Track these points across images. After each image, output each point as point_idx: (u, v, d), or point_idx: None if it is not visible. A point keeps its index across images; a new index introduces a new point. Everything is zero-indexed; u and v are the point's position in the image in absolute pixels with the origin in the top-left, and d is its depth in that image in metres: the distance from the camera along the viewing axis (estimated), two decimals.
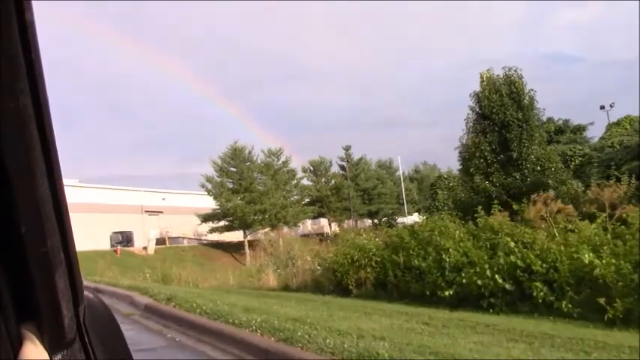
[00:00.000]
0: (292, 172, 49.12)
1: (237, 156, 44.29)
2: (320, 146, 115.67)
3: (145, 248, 41.21)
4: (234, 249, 46.65)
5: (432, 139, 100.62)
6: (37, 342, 0.76)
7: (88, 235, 38.87)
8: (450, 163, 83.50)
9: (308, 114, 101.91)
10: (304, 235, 57.78)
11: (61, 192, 0.81)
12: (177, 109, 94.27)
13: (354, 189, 55.55)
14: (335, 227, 56.34)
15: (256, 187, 44.40)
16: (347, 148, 57.67)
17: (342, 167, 58.07)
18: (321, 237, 63.35)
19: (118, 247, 38.34)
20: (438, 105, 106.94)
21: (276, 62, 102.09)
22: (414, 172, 68.87)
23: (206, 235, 46.18)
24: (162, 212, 50.95)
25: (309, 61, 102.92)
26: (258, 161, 46.35)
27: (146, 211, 49.89)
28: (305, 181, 53.09)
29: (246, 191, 43.56)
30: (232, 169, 44.73)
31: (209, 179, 43.77)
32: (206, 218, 44.52)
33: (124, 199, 47.85)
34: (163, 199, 51.65)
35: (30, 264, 0.74)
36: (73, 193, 41.91)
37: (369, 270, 11.28)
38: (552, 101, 75.00)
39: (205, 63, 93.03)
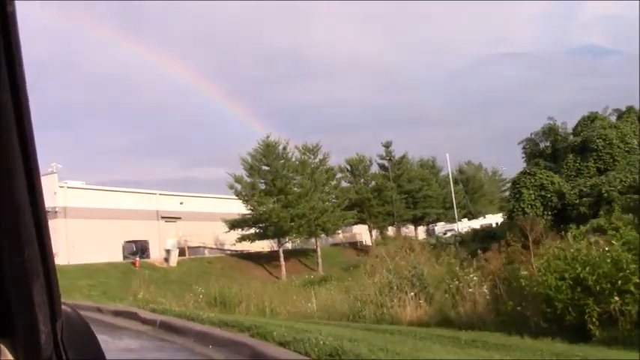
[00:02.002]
0: (331, 171, 45.79)
1: (269, 152, 41.07)
2: (333, 145, 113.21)
3: (166, 260, 38.04)
4: (265, 260, 43.52)
5: (463, 137, 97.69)
6: None
7: (99, 244, 36.62)
8: (491, 161, 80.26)
9: (322, 113, 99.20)
10: (335, 245, 54.54)
11: (39, 196, 0.79)
12: (182, 109, 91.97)
13: (396, 191, 52.01)
14: (375, 235, 52.93)
15: (292, 188, 40.89)
16: (387, 145, 54.63)
17: (382, 166, 55.07)
18: (357, 247, 60.49)
19: (137, 259, 34.92)
20: (466, 102, 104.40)
21: (287, 59, 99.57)
22: (457, 172, 65.30)
23: (234, 245, 42.72)
24: (180, 218, 47.74)
25: (323, 56, 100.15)
26: (293, 159, 42.85)
27: (162, 217, 46.71)
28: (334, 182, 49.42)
29: (281, 193, 40.25)
30: (264, 167, 41.37)
31: (238, 179, 40.35)
32: (234, 225, 41.34)
33: (137, 203, 44.90)
34: (181, 203, 48.47)
35: (4, 275, 0.71)
36: (80, 197, 39.53)
37: (627, 298, 7.42)
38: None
39: (215, 59, 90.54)
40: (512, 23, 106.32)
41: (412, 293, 11.06)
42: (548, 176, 30.95)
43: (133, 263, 34.98)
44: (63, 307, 0.88)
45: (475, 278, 10.16)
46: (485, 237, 31.42)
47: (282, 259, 40.31)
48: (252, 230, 41.97)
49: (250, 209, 40.52)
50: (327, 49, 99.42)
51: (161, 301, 16.91)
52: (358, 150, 57.51)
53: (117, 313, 10.53)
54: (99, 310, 10.53)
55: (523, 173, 31.40)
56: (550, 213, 29.87)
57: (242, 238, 41.53)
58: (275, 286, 27.27)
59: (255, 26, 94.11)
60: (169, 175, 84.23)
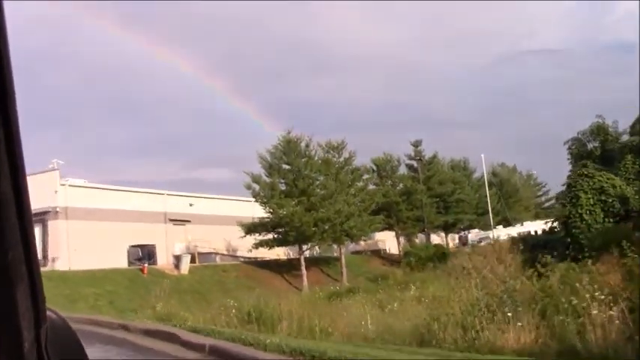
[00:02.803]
0: (357, 171, 44.41)
1: (291, 150, 39.77)
2: (353, 145, 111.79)
3: (176, 266, 36.98)
4: (284, 269, 42.34)
5: (491, 138, 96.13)
6: None
7: (103, 248, 35.89)
8: (521, 164, 78.41)
9: (340, 111, 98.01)
10: (356, 253, 53.10)
11: (25, 195, 0.78)
12: (189, 105, 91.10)
13: (426, 195, 50.58)
14: (403, 243, 51.50)
15: (315, 189, 39.56)
16: (416, 144, 53.40)
17: (411, 167, 53.80)
18: (381, 255, 59.07)
19: (145, 265, 33.94)
20: (492, 101, 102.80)
21: (300, 52, 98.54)
22: (490, 175, 63.77)
23: (250, 251, 41.43)
24: (189, 221, 46.71)
25: (341, 50, 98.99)
26: (316, 157, 41.64)
27: (170, 220, 45.70)
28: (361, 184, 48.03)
29: (303, 195, 38.90)
30: (285, 166, 40.16)
31: (256, 179, 39.05)
32: (250, 229, 40.07)
33: (143, 204, 43.96)
34: (191, 204, 47.45)
35: None
36: (82, 197, 38.76)
37: None
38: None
39: (226, 52, 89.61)
40: (540, 19, 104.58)
41: (509, 314, 9.50)
42: (608, 179, 29.24)
43: (141, 270, 33.99)
44: (47, 312, 0.87)
45: (602, 297, 8.59)
46: (534, 246, 29.69)
47: (303, 267, 38.92)
48: (270, 235, 40.67)
49: (269, 212, 39.25)
50: (345, 44, 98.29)
51: (185, 315, 15.52)
52: (379, 151, 56.48)
53: (149, 333, 9.06)
54: (125, 328, 9.07)
55: (580, 175, 29.65)
56: (611, 220, 28.17)
57: (259, 244, 40.23)
58: (302, 297, 25.97)
59: (267, 17, 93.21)
60: (174, 176, 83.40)
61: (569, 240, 28.03)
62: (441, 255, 44.10)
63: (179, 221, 45.97)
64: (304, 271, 38.87)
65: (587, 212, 28.12)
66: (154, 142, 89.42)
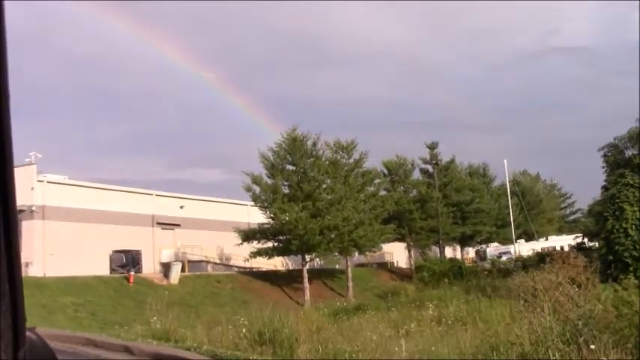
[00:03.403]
0: (368, 174, 43.80)
1: (296, 149, 38.95)
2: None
3: (165, 275, 36.38)
4: (283, 281, 41.76)
5: (510, 143, 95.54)
6: None
7: (83, 253, 35.64)
8: (545, 172, 77.66)
9: (343, 110, 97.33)
10: (360, 265, 52.28)
11: (12, 198, 0.77)
12: (176, 99, 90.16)
13: (442, 203, 49.80)
14: (415, 256, 50.68)
15: (322, 194, 38.69)
16: (433, 147, 52.75)
17: (426, 172, 53.12)
18: (388, 268, 58.14)
19: (131, 273, 33.49)
20: (513, 103, 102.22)
21: (302, 43, 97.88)
22: (511, 183, 62.96)
23: (247, 260, 40.73)
24: (179, 225, 46.24)
25: (347, 44, 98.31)
26: (323, 158, 40.95)
27: (158, 223, 44.95)
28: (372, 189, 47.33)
29: (308, 199, 38.04)
30: (290, 166, 39.41)
31: (256, 180, 38.14)
32: (249, 236, 39.24)
33: (128, 205, 43.34)
34: (182, 207, 46.83)
35: None
36: (61, 195, 38.21)
37: None
38: None
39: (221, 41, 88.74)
40: (564, 15, 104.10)
41: (592, 346, 8.52)
42: None
43: (127, 278, 33.10)
44: (27, 332, 0.85)
45: None
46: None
47: (306, 280, 38.13)
48: (270, 244, 39.86)
49: (270, 217, 38.42)
50: (353, 38, 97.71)
51: (184, 333, 14.53)
52: (387, 152, 56.01)
53: None
54: (128, 350, 8.02)
55: (624, 185, 28.78)
56: None
57: (257, 253, 39.43)
58: (306, 313, 25.13)
59: (266, 3, 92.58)
60: (159, 176, 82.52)
61: (610, 258, 27.15)
62: (457, 270, 43.41)
63: (168, 225, 45.59)
64: (307, 284, 38.13)
65: (633, 227, 27.22)
66: (139, 138, 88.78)
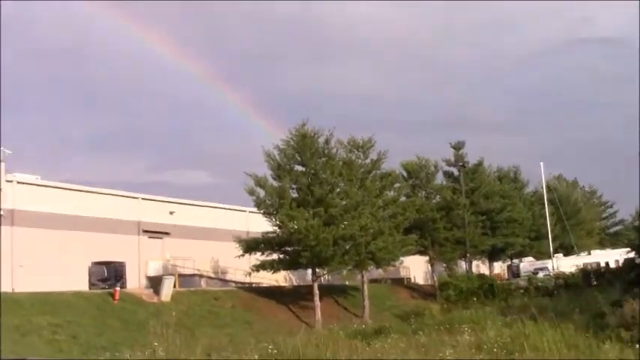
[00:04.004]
0: (388, 177, 43.40)
1: (306, 147, 38.10)
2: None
3: (155, 292, 35.50)
4: (289, 298, 41.20)
5: (538, 145, 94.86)
6: None
7: (58, 265, 35.24)
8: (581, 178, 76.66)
9: (345, 107, 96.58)
10: (373, 281, 51.52)
11: None
12: (159, 93, 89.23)
13: (469, 210, 49.24)
14: (437, 270, 49.96)
15: (335, 198, 38.03)
16: (458, 147, 52.37)
17: (450, 175, 52.99)
18: (405, 284, 57.15)
19: (117, 289, 32.67)
20: (534, 100, 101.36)
21: (304, 31, 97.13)
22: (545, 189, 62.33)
23: (249, 274, 40.33)
24: (168, 234, 45.78)
25: (348, 33, 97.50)
26: (336, 158, 40.31)
27: (145, 231, 44.50)
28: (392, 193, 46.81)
29: (319, 205, 37.37)
30: (298, 167, 38.72)
31: (260, 182, 37.41)
32: (251, 246, 38.55)
33: (110, 210, 42.60)
34: (171, 212, 46.39)
35: None
36: (33, 197, 37.43)
37: None
38: None
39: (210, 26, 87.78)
40: (596, 3, 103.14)
41: None
42: None
43: (111, 295, 32.27)
44: None
45: None
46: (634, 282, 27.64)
47: (317, 297, 37.42)
48: (276, 255, 39.16)
49: (277, 225, 37.54)
50: (363, 28, 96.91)
51: None
52: (404, 153, 55.31)
53: None
54: None
55: None
56: None
57: (261, 266, 38.56)
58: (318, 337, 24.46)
59: None
60: (139, 178, 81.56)
61: None
62: (488, 288, 42.75)
63: (155, 233, 45.01)
64: (318, 302, 37.46)
65: None
66: (116, 135, 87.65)
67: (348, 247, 37.67)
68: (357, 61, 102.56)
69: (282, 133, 39.41)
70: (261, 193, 37.85)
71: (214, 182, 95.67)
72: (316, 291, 37.62)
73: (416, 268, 59.51)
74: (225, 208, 50.33)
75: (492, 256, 55.11)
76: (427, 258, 52.89)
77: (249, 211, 50.69)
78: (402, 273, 58.04)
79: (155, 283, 39.64)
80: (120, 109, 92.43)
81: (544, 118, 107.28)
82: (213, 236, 46.81)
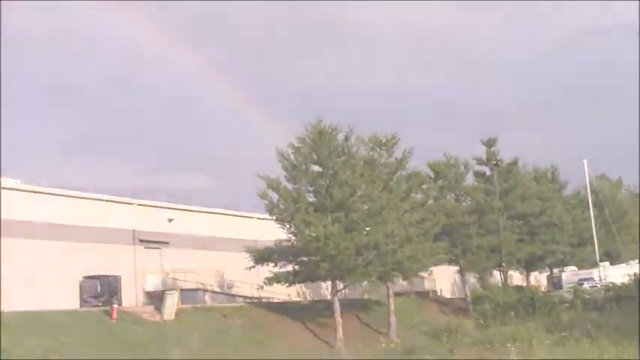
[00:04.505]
0: (415, 177, 43.22)
1: (324, 144, 37.77)
2: None
3: (156, 309, 35.39)
4: (305, 314, 41.00)
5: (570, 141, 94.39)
6: None
7: (44, 279, 35.04)
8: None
9: (355, 101, 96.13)
10: (395, 295, 50.90)
11: None
12: (148, 87, 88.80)
13: (504, 214, 49.12)
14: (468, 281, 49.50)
15: (357, 202, 37.59)
16: (490, 144, 51.94)
17: (482, 175, 52.71)
18: (430, 297, 56.57)
19: (115, 306, 32.92)
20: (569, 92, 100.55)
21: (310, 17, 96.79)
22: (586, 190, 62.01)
23: (260, 288, 40.64)
24: (167, 243, 45.54)
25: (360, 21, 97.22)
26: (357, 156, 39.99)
27: (141, 241, 44.25)
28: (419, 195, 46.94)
29: (339, 209, 37.10)
30: (316, 167, 38.37)
31: (273, 184, 37.22)
32: (263, 257, 38.26)
33: (102, 217, 42.15)
34: (170, 220, 45.96)
35: None
36: (14, 204, 36.76)
37: None
38: None
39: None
40: None
41: None
42: None
43: (108, 313, 32.32)
44: None
45: None
46: None
47: (337, 314, 37.04)
48: (291, 267, 38.79)
49: (292, 233, 37.22)
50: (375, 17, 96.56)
51: None
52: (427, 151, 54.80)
53: None
54: None
55: None
56: None
57: (275, 279, 38.29)
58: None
59: None
60: (130, 182, 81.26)
61: None
62: (528, 302, 42.46)
63: (153, 242, 44.80)
64: (339, 319, 37.10)
65: None
66: (101, 136, 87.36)
67: (371, 256, 37.09)
68: (371, 50, 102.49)
69: (288, 132, 39.35)
70: (274, 197, 37.63)
71: (213, 187, 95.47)
72: (337, 306, 37.26)
73: (442, 279, 59.03)
74: (230, 215, 50.26)
75: (529, 265, 54.60)
76: (456, 268, 52.35)
77: (257, 218, 50.61)
78: (427, 285, 57.54)
79: (154, 299, 39.60)
80: (108, 107, 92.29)
81: (579, 112, 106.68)
82: (217, 246, 46.76)
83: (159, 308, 35.19)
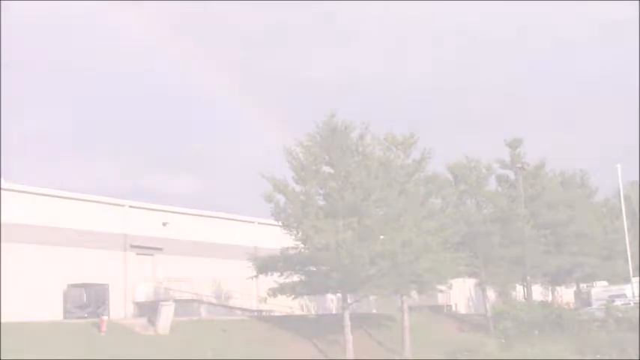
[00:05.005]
0: (434, 181, 43.45)
1: (336, 143, 37.58)
2: None
3: (149, 321, 35.38)
4: (312, 329, 40.96)
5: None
6: None
7: (25, 288, 35.81)
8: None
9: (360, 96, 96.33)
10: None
11: None
12: (135, 80, 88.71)
13: (529, 223, 49.13)
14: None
15: (372, 206, 37.51)
16: (514, 145, 51.86)
17: (505, 180, 52.91)
18: (445, 312, 56.64)
19: (104, 318, 33.17)
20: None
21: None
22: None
23: (264, 300, 40.94)
24: (160, 249, 46.48)
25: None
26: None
27: (132, 247, 45.08)
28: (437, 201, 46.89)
29: (352, 214, 36.91)
30: (327, 168, 38.29)
31: (280, 186, 36.99)
32: (267, 266, 38.31)
33: (89, 220, 42.69)
34: (165, 223, 46.90)
35: None
36: None
37: None
38: None
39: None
40: None
41: None
42: None
43: (98, 325, 32.46)
44: None
45: None
46: None
47: (348, 329, 36.98)
48: (297, 277, 38.62)
49: (300, 239, 37.10)
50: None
51: None
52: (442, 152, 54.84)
53: None
54: None
55: None
56: None
57: (280, 290, 38.33)
58: None
59: None
60: (110, 182, 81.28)
61: None
62: (555, 319, 42.69)
63: (145, 248, 45.53)
64: (349, 336, 37.04)
65: None
66: (85, 132, 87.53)
67: (387, 266, 36.94)
68: (381, 42, 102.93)
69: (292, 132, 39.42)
70: (281, 200, 37.48)
71: (201, 189, 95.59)
72: (347, 322, 37.19)
73: (457, 293, 59.10)
74: (229, 219, 50.91)
75: (555, 279, 54.66)
76: (473, 281, 52.46)
77: (258, 222, 50.89)
78: (441, 299, 57.61)
79: (144, 310, 39.86)
80: (92, 101, 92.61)
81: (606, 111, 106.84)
82: (215, 253, 47.47)
83: (151, 321, 35.20)
